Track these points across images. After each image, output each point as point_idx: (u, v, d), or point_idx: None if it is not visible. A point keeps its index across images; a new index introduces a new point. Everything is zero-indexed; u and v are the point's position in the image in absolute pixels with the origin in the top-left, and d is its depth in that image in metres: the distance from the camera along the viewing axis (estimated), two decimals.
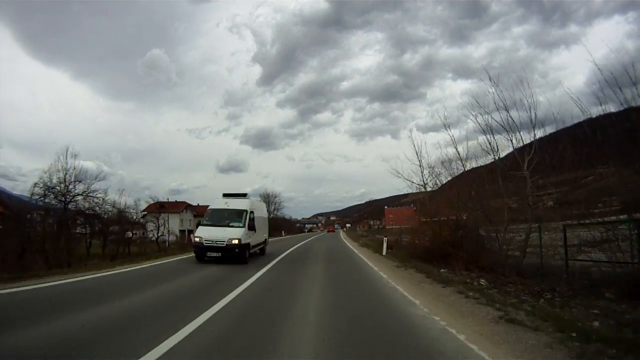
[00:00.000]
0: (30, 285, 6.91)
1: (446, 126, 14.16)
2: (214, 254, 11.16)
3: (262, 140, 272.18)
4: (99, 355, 3.25)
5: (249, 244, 11.92)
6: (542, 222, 10.47)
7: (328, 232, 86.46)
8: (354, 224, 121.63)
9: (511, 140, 10.81)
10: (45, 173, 20.91)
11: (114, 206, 27.15)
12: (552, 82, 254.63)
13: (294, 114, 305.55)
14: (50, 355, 3.24)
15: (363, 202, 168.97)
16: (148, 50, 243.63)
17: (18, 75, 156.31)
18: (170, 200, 58.28)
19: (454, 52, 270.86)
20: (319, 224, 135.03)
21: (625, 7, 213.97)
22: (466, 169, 14.34)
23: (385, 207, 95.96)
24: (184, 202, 59.31)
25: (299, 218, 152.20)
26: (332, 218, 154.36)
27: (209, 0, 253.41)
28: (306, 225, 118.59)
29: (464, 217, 12.77)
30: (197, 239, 11.51)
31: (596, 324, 4.68)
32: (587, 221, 8.85)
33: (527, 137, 10.76)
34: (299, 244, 24.32)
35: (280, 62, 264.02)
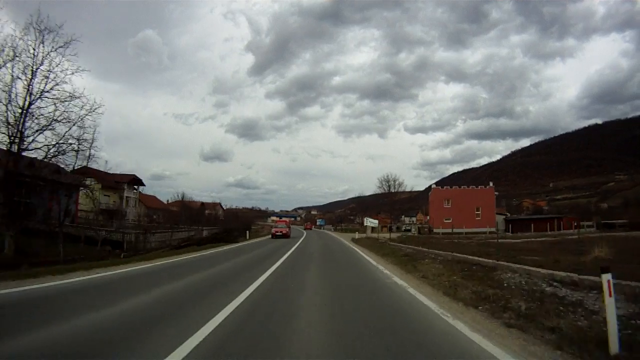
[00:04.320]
0: None
1: None
2: None
3: (248, 131, 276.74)
4: None
5: None
6: None
7: (305, 229, 61.20)
8: (340, 223, 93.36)
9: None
10: None
11: None
12: (544, 93, 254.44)
13: (282, 106, 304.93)
14: None
15: (346, 198, 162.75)
16: (140, 30, 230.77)
17: None
18: None
19: (449, 55, 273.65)
20: (280, 217, 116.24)
21: (624, 25, 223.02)
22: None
23: (434, 186, 54.20)
24: None
25: (277, 210, 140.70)
26: (312, 212, 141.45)
27: None
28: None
29: None
30: None
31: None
32: None
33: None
34: None
35: (274, 53, 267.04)
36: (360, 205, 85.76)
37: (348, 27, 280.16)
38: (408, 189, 66.40)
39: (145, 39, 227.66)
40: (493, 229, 37.58)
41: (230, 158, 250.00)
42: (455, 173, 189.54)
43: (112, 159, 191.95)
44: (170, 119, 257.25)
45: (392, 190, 55.71)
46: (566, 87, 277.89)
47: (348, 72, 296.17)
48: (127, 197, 44.54)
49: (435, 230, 41.25)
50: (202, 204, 70.92)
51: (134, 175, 46.22)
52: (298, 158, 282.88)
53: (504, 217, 47.76)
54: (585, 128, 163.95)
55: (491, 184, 50.98)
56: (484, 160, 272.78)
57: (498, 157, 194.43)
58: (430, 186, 61.79)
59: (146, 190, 52.36)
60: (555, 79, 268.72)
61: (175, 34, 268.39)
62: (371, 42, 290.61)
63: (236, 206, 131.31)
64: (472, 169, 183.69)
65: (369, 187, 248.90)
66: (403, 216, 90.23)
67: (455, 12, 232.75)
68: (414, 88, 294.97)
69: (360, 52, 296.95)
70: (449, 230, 36.17)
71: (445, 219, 43.60)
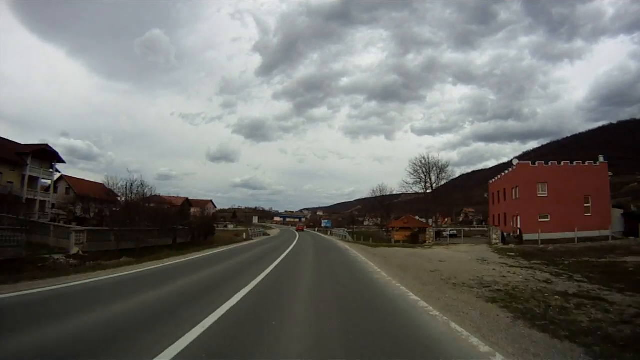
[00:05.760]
0: None
1: None
2: None
3: (255, 131, 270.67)
4: None
5: None
6: None
7: (298, 231, 57.97)
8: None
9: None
10: None
11: None
12: (552, 95, 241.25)
13: (289, 106, 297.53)
14: None
15: (352, 200, 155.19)
16: (148, 29, 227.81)
17: (13, 47, 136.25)
18: None
19: (457, 56, 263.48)
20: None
21: (632, 27, 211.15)
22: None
23: (516, 161, 33.60)
24: None
25: (281, 211, 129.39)
26: (318, 213, 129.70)
27: None
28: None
29: None
30: None
31: None
32: None
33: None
34: None
35: (281, 53, 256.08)
36: (379, 204, 68.46)
37: (356, 28, 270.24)
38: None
39: (153, 38, 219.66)
40: (608, 232, 24.42)
41: (236, 159, 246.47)
42: (462, 175, 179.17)
43: (118, 158, 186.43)
44: (177, 119, 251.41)
45: (433, 179, 36.60)
46: (574, 89, 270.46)
47: (356, 73, 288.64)
48: (31, 176, 31.19)
49: (524, 237, 25.77)
50: (187, 200, 59.77)
51: (44, 145, 32.63)
52: (305, 159, 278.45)
53: (621, 212, 30.43)
54: (599, 128, 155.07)
55: (602, 158, 30.97)
56: (491, 163, 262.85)
57: (505, 159, 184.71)
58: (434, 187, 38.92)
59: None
60: (564, 81, 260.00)
61: (182, 33, 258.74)
62: (379, 43, 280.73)
63: (239, 206, 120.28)
64: (481, 170, 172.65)
65: (390, 183, 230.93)
66: (416, 217, 72.19)
67: (464, 13, 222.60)
68: (422, 89, 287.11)
69: (368, 53, 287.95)
70: (553, 236, 22.62)
71: (541, 216, 27.72)
